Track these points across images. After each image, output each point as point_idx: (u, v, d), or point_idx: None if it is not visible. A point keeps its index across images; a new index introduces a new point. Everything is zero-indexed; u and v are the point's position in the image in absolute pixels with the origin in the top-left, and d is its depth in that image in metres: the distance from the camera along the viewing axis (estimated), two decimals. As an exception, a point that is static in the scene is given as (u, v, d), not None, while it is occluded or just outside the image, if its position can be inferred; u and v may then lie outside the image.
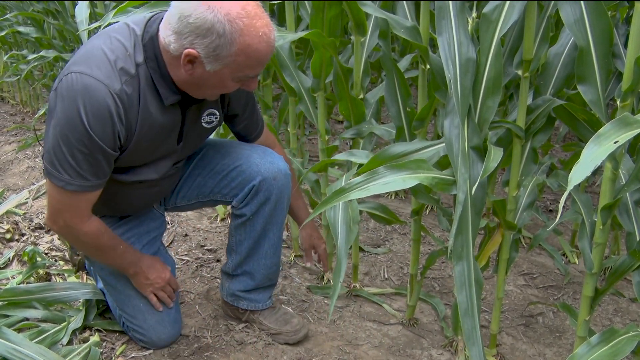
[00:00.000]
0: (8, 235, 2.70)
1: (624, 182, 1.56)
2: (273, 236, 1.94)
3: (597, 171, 2.59)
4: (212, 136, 1.92)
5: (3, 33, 4.70)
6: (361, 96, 2.04)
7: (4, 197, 3.31)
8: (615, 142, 1.02)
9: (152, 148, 1.65)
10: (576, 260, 2.65)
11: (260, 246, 1.94)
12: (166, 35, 1.47)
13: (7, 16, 4.62)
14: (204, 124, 1.76)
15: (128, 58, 1.51)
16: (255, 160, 1.86)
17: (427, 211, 3.09)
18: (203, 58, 1.45)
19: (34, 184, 3.57)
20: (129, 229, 1.86)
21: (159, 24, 1.52)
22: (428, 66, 1.71)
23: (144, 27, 1.54)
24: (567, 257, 2.68)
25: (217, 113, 1.77)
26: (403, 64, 2.53)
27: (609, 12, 1.74)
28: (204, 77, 1.51)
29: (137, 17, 1.60)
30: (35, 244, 2.62)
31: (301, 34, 1.86)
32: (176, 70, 1.53)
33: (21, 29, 4.46)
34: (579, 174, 0.99)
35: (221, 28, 1.40)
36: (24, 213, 3.00)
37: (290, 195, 1.94)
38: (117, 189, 1.70)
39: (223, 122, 1.88)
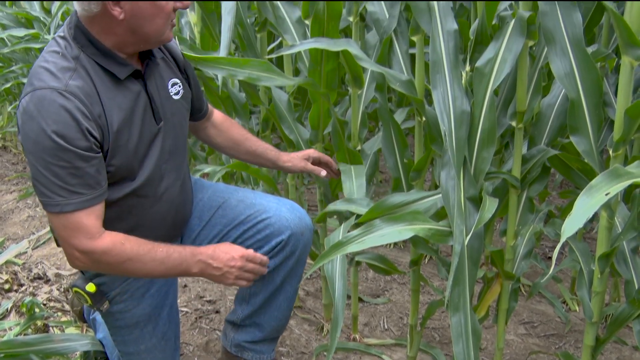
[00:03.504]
0: (7, 286, 2.69)
1: (620, 230, 1.57)
2: (290, 289, 1.89)
3: (595, 217, 2.60)
4: (225, 183, 1.86)
5: (8, 85, 4.77)
6: (358, 148, 2.06)
7: (4, 247, 3.31)
8: (606, 194, 1.04)
9: (136, 136, 1.56)
10: (577, 308, 2.63)
11: (275, 299, 1.88)
12: (80, 8, 1.45)
13: (12, 68, 4.68)
14: (172, 96, 1.69)
15: (63, 58, 1.48)
16: (285, 214, 1.80)
17: (427, 260, 3.09)
18: None
19: (34, 233, 3.57)
20: None
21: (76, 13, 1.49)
22: (424, 118, 1.74)
23: (66, 25, 1.53)
24: (567, 304, 2.66)
25: (179, 81, 1.72)
26: (399, 116, 2.56)
27: (598, 64, 1.79)
28: (136, 12, 1.45)
29: (61, 28, 1.57)
30: (34, 295, 2.61)
31: (299, 80, 1.90)
32: (112, 36, 1.49)
33: (25, 80, 4.52)
34: (571, 226, 1.01)
35: None
36: (23, 263, 3.00)
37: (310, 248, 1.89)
38: (128, 209, 1.63)
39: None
